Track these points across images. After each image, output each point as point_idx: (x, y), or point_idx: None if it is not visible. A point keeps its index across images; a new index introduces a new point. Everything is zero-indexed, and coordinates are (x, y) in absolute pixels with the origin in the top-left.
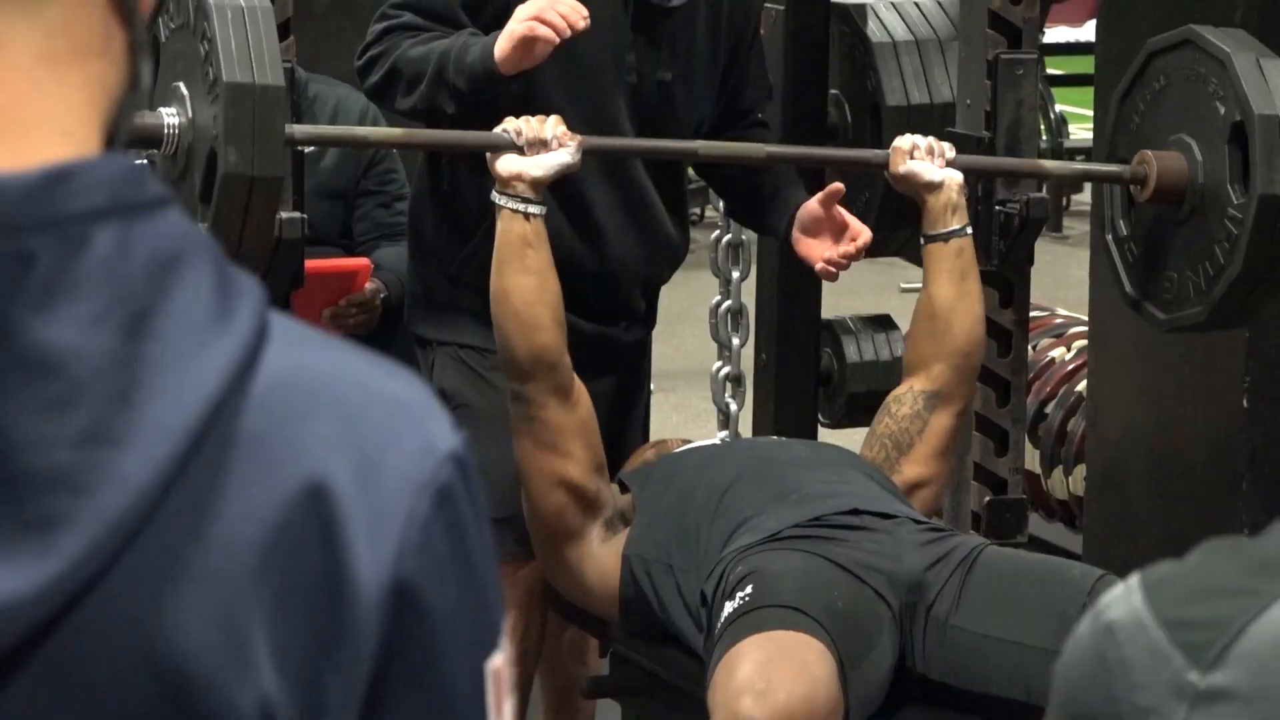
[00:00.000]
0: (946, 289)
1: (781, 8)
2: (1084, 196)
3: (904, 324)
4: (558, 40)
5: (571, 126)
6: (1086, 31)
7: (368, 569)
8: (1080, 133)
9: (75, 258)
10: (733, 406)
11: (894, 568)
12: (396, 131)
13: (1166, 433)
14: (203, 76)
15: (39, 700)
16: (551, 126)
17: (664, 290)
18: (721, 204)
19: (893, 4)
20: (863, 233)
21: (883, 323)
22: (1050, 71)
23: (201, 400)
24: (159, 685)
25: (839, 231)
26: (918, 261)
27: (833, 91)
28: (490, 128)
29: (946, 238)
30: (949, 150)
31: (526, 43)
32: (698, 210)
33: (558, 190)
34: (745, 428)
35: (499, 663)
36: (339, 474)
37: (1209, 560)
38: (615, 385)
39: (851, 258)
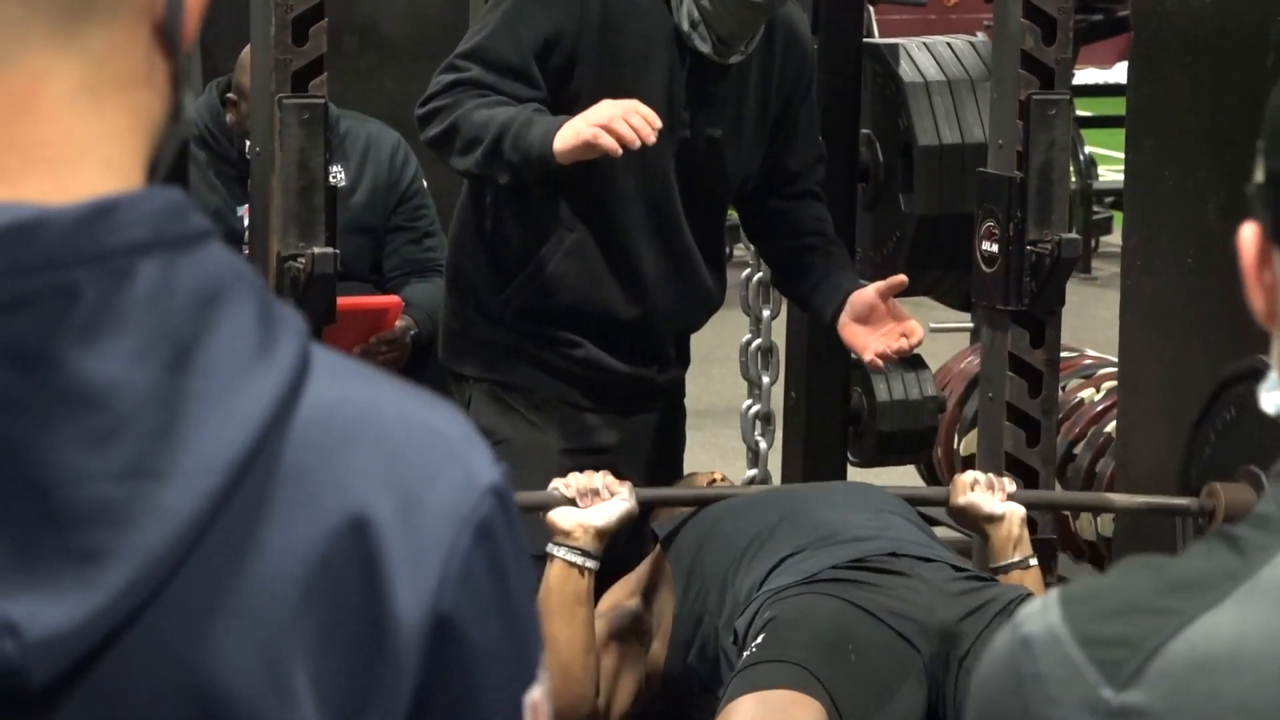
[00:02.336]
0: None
1: (814, 47)
2: (1114, 238)
3: (934, 363)
4: (620, 153)
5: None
6: (1116, 73)
7: (408, 603)
8: (1109, 174)
9: (119, 291)
10: (762, 444)
11: (927, 617)
12: None
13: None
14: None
15: None
16: (600, 478)
17: None
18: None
19: (925, 44)
20: (917, 331)
21: (913, 362)
22: (1079, 113)
23: (244, 434)
24: (200, 719)
25: (892, 321)
26: (948, 301)
27: (864, 131)
28: (546, 189)
29: (1008, 569)
30: (1009, 485)
31: (589, 146)
32: (727, 249)
33: (604, 242)
34: (775, 466)
35: (537, 696)
36: (380, 508)
37: (1127, 578)
38: (654, 421)
39: (904, 354)
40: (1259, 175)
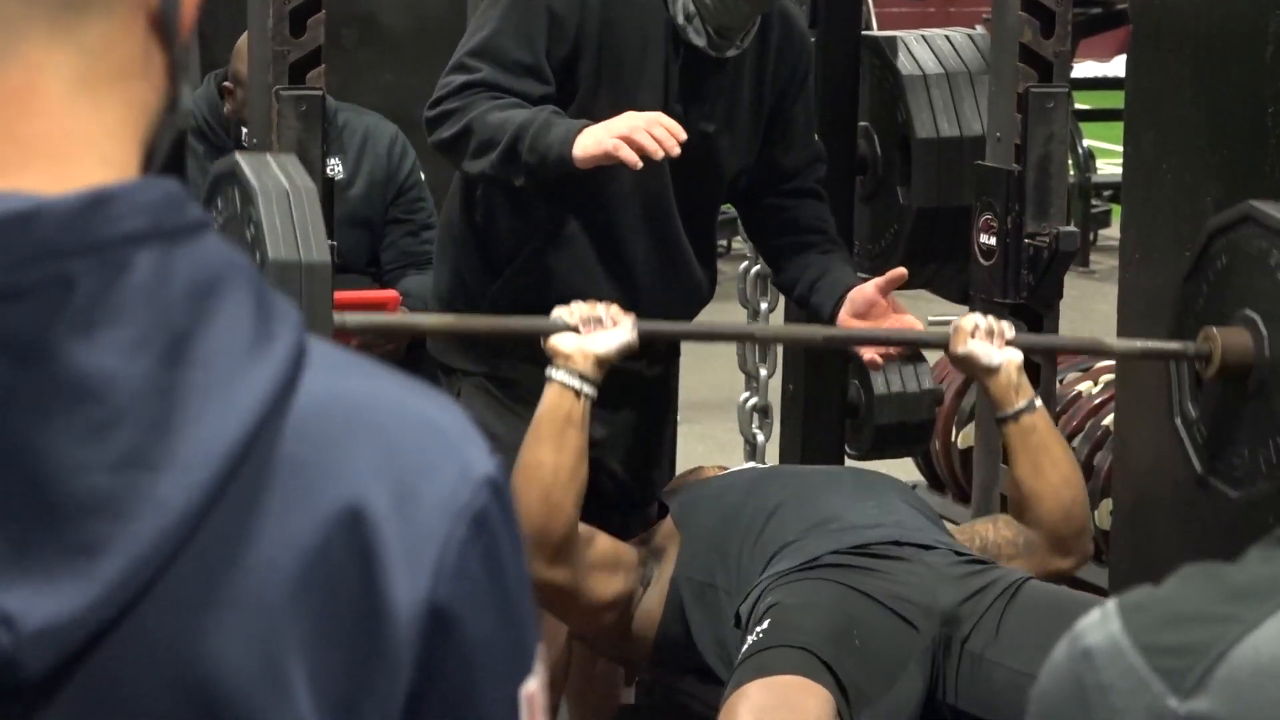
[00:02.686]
0: (1026, 467)
1: (812, 39)
2: (1112, 231)
3: (932, 356)
4: (640, 165)
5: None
6: (1114, 66)
7: (404, 594)
8: (1108, 168)
9: (115, 283)
10: (760, 437)
11: (929, 600)
12: (449, 318)
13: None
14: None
15: None
16: (603, 307)
17: None
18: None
19: (923, 36)
20: (918, 328)
21: (911, 355)
22: (1077, 106)
23: (240, 426)
24: (195, 711)
25: (891, 317)
26: (945, 295)
27: (863, 123)
28: (555, 195)
29: (1016, 416)
30: (1009, 330)
31: (609, 156)
32: (725, 242)
33: (596, 235)
34: (772, 459)
35: (533, 688)
36: (376, 500)
37: (1186, 587)
38: (639, 417)
39: (904, 354)
40: None
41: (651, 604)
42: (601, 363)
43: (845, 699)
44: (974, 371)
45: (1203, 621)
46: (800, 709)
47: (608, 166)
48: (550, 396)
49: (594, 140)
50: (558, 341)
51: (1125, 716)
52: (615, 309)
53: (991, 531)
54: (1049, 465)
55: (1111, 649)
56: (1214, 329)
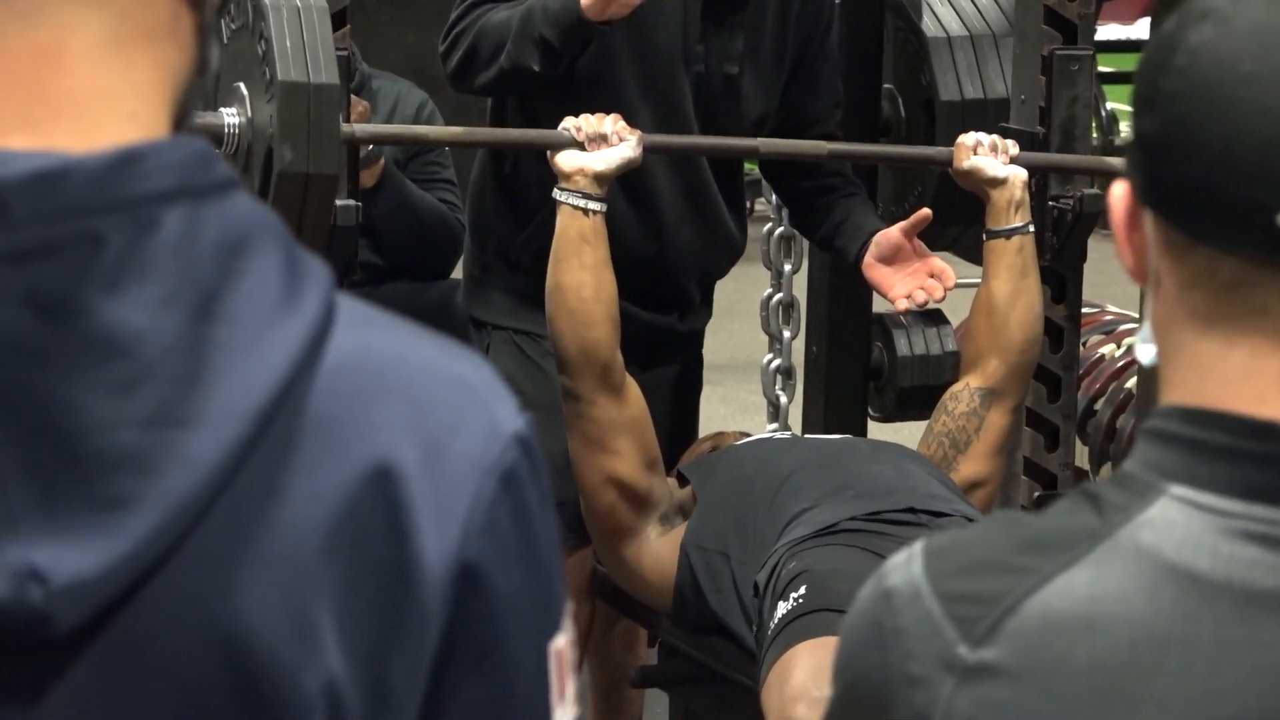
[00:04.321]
0: (1006, 285)
1: (837, 1)
2: None
3: (955, 319)
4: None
5: (640, 113)
6: (1139, 29)
7: (433, 551)
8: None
9: (144, 240)
10: (783, 399)
11: None
12: (457, 130)
13: None
14: (261, 76)
15: (107, 677)
16: (611, 122)
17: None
18: (774, 197)
19: None
20: (947, 272)
21: (934, 317)
22: (1101, 69)
23: (269, 383)
24: (225, 665)
25: (917, 261)
26: (969, 257)
27: (886, 86)
28: (563, 110)
29: (1009, 234)
30: (1013, 147)
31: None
32: (748, 204)
33: (622, 180)
34: (795, 420)
35: (562, 644)
36: (405, 456)
37: (989, 534)
38: (670, 375)
39: (937, 299)
40: (1130, 136)
41: (666, 553)
42: (601, 179)
43: None
44: (978, 186)
45: (999, 571)
46: None
47: (626, 105)
48: (561, 220)
49: None
50: (561, 160)
51: (917, 661)
52: (622, 125)
53: (949, 421)
54: (1028, 286)
55: (911, 592)
56: None
